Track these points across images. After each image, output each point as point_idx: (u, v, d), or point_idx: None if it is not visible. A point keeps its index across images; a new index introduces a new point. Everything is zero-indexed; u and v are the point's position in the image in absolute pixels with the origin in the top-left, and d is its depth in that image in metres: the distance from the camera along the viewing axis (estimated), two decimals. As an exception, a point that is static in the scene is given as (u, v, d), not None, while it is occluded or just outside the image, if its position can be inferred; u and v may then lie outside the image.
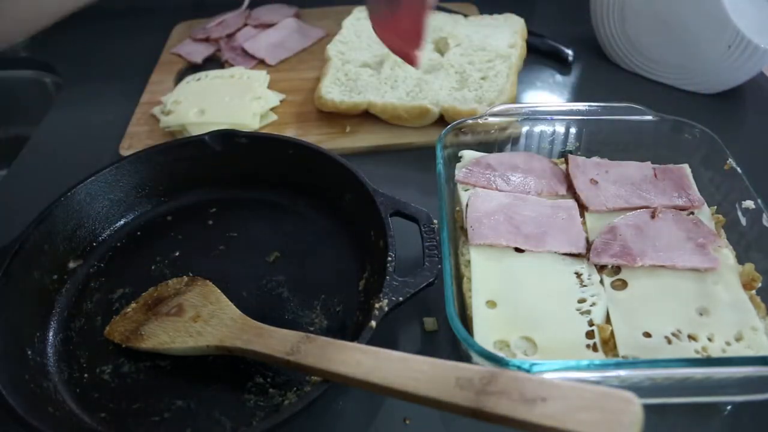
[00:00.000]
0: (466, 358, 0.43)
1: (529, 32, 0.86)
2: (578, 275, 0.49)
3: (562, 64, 0.87)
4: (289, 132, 0.75)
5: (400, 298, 0.46)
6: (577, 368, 0.39)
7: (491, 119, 0.61)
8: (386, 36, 0.44)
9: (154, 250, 0.59)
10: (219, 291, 0.51)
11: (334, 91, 0.76)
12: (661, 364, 0.39)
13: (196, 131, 0.69)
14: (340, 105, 0.75)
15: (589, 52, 0.88)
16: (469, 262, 0.50)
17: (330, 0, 1.01)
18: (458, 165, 0.59)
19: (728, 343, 0.44)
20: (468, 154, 0.60)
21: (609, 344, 0.45)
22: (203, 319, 0.49)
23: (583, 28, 0.88)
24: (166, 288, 0.54)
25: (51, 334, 0.52)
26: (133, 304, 0.53)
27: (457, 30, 0.85)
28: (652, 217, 0.53)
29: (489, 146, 0.62)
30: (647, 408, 0.29)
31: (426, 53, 0.82)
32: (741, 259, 0.50)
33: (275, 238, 0.59)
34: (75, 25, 1.00)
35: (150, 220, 0.62)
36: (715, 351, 0.43)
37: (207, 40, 0.93)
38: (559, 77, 0.86)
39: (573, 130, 0.63)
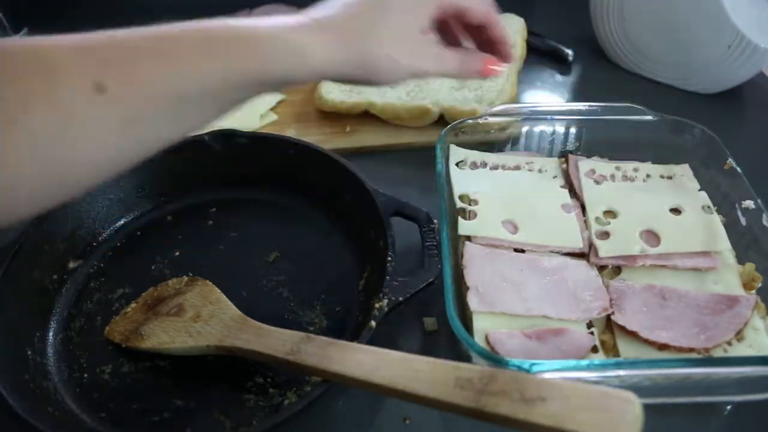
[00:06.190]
0: (466, 358, 0.43)
1: (529, 32, 0.86)
2: (578, 275, 0.49)
3: (562, 64, 0.87)
4: (289, 132, 0.75)
5: (400, 298, 0.46)
6: (577, 368, 0.39)
7: (491, 119, 0.61)
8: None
9: (154, 250, 0.59)
10: (219, 291, 0.51)
11: (334, 91, 0.76)
12: (661, 364, 0.39)
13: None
14: (340, 105, 0.75)
15: (589, 52, 0.88)
16: (469, 262, 0.50)
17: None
18: (457, 164, 0.59)
19: (729, 343, 0.44)
20: (468, 154, 0.60)
21: (609, 344, 0.45)
22: (203, 319, 0.49)
23: (583, 28, 0.88)
24: (166, 288, 0.54)
25: (51, 334, 0.52)
26: (133, 304, 0.53)
27: (457, 30, 0.85)
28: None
29: (489, 146, 0.62)
30: (647, 408, 0.29)
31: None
32: (741, 259, 0.50)
33: (275, 238, 0.59)
34: (75, 26, 1.00)
35: (150, 220, 0.62)
36: (716, 350, 0.43)
37: (207, 40, 0.93)
38: (559, 77, 0.86)
39: (573, 130, 0.63)
